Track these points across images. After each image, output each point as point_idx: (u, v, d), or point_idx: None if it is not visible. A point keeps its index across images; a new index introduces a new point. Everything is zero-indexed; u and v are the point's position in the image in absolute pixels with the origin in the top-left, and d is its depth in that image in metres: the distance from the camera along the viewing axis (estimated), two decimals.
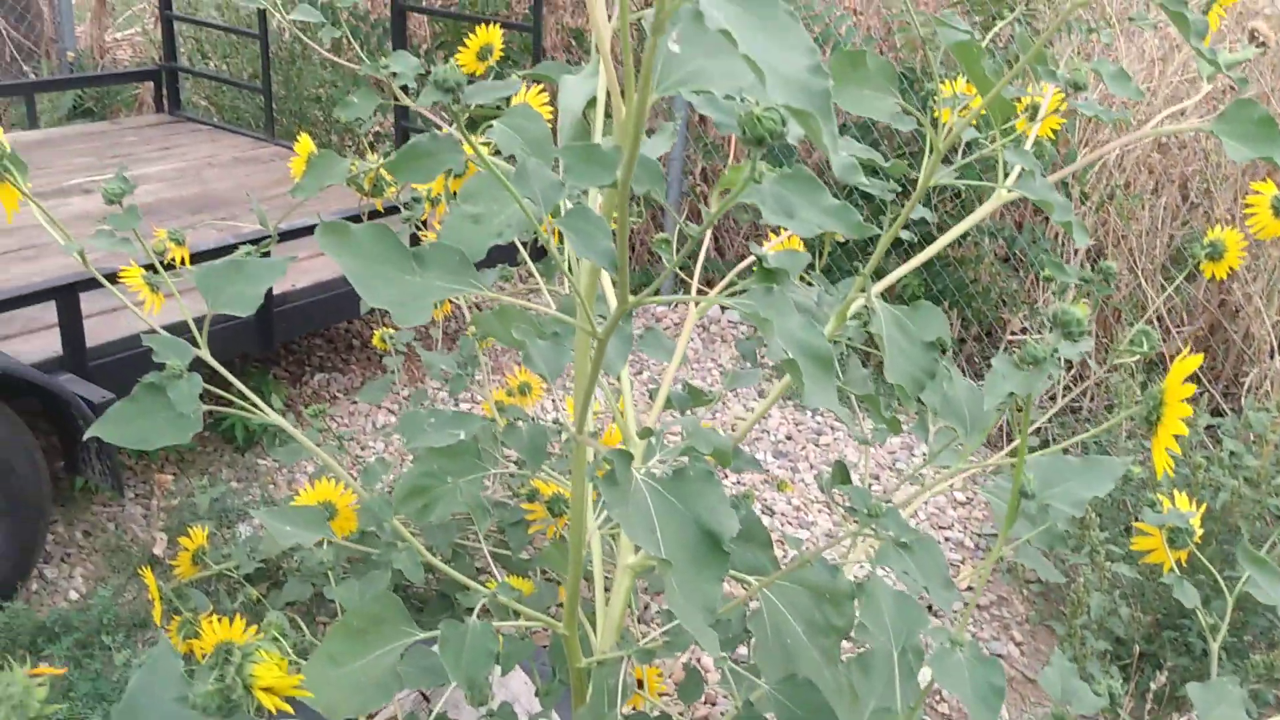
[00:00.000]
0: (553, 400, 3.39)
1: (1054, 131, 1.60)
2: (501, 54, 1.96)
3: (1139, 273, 3.91)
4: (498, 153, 1.06)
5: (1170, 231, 3.96)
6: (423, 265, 0.79)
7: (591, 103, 1.10)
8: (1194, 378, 1.00)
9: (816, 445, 3.35)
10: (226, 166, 3.86)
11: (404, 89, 1.78)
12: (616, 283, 0.77)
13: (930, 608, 2.49)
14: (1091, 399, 3.75)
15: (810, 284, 1.53)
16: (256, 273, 1.05)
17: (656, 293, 0.75)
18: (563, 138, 1.05)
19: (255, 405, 1.14)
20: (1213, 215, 3.96)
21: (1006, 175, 1.35)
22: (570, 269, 1.11)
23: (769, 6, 0.49)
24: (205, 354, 1.09)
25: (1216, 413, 3.58)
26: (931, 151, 1.28)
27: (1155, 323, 3.83)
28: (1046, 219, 3.91)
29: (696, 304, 1.46)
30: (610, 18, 1.14)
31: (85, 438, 0.96)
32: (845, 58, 1.09)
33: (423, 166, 0.80)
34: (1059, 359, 0.81)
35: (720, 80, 0.66)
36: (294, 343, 3.50)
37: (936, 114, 1.37)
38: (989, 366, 3.59)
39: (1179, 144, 4.05)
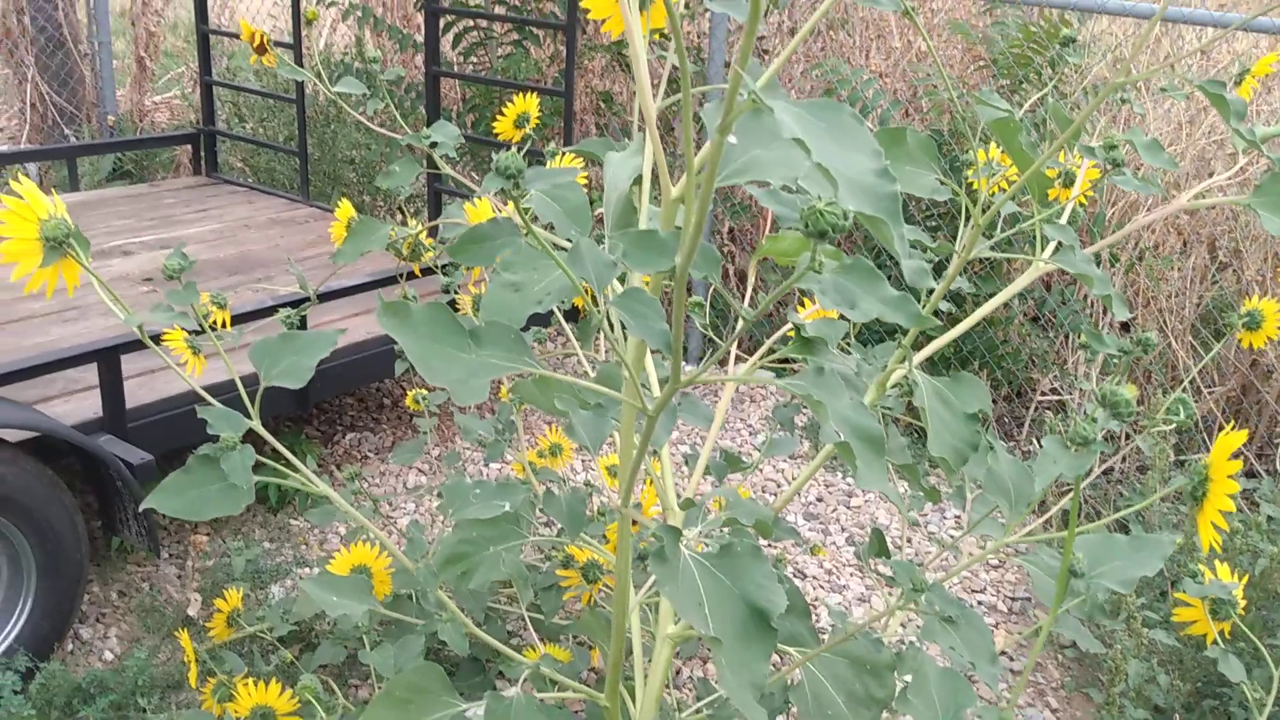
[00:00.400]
0: (582, 460, 3.40)
1: (1084, 196, 1.61)
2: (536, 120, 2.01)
3: (1169, 332, 3.89)
4: (534, 217, 1.08)
5: (1200, 293, 3.95)
6: (478, 343, 0.81)
7: (637, 179, 1.13)
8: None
9: (848, 507, 3.34)
10: (262, 228, 3.92)
11: (445, 157, 1.82)
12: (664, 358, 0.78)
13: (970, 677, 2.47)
14: (1124, 460, 3.72)
15: (848, 351, 1.54)
16: (309, 345, 1.07)
17: (704, 355, 0.76)
18: (609, 214, 1.07)
19: (299, 472, 1.15)
20: (1243, 276, 3.96)
21: (1044, 246, 1.37)
22: (609, 331, 1.13)
23: (834, 111, 0.51)
24: (258, 425, 1.11)
25: (1251, 475, 3.54)
26: (969, 223, 1.29)
27: (1188, 385, 3.81)
28: (1075, 278, 3.91)
29: (746, 377, 1.47)
30: (656, 97, 1.16)
31: (140, 509, 0.98)
32: (887, 135, 1.12)
33: (482, 250, 0.82)
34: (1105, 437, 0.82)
35: (776, 170, 0.68)
36: (326, 401, 3.53)
37: (973, 184, 1.39)
38: (1019, 428, 3.55)
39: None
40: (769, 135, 0.69)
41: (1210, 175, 4.17)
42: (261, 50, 2.05)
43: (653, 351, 1.40)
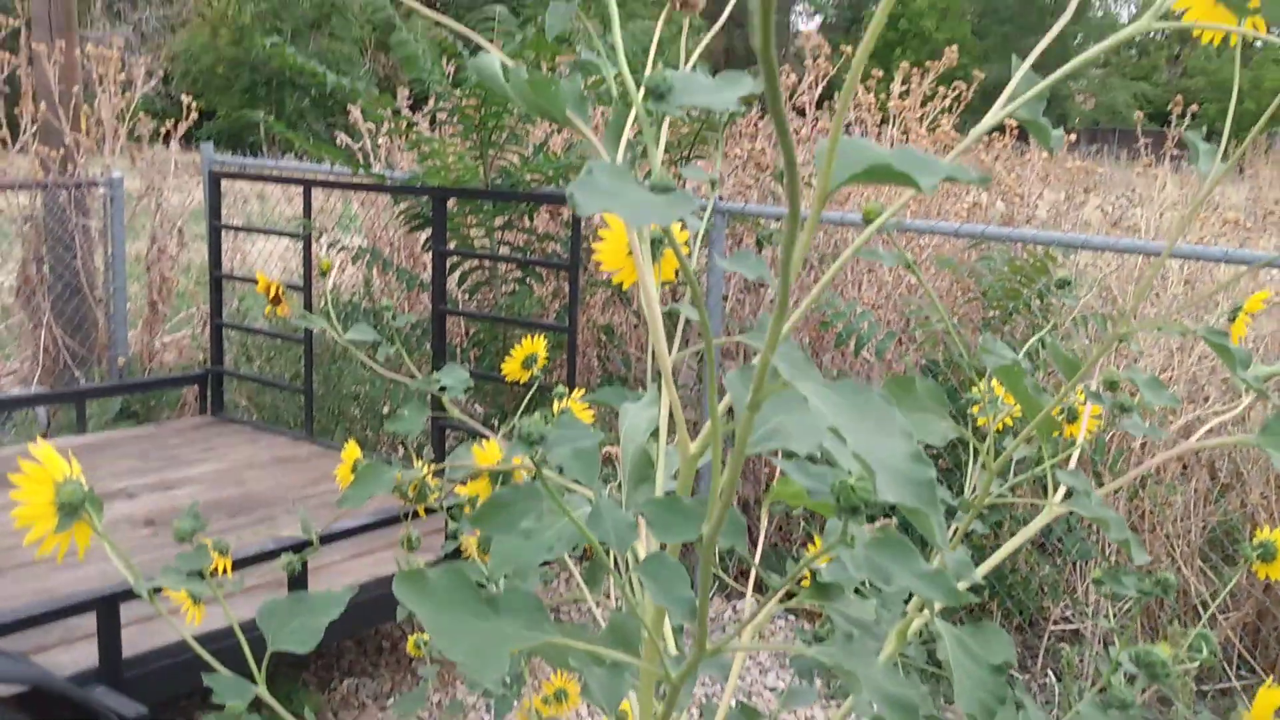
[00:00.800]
0: (586, 705, 3.28)
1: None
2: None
3: (1176, 557, 3.85)
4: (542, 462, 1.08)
5: (1204, 516, 3.93)
6: (496, 612, 0.79)
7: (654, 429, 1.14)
8: (1251, 670, 0.97)
9: None
10: (266, 467, 3.93)
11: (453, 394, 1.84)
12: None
13: None
14: (1144, 690, 3.60)
15: (864, 596, 1.51)
16: (319, 606, 1.05)
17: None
18: (625, 468, 1.07)
19: None
20: (1247, 500, 3.94)
21: (1055, 488, 1.37)
22: (628, 593, 1.11)
23: (863, 393, 0.52)
24: (263, 690, 1.07)
25: None
26: (977, 463, 1.30)
27: (1200, 609, 3.73)
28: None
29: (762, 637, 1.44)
30: (671, 350, 1.19)
31: None
32: (896, 384, 1.13)
33: (504, 517, 0.82)
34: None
35: (801, 439, 0.69)
36: (323, 645, 3.44)
37: (979, 422, 1.40)
38: (1033, 659, 3.44)
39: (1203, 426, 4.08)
40: (792, 402, 0.70)
41: (1205, 399, 4.24)
42: (276, 301, 2.11)
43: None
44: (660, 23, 1.12)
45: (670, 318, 1.34)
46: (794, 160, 0.46)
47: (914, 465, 0.48)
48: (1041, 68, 1.02)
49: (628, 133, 1.03)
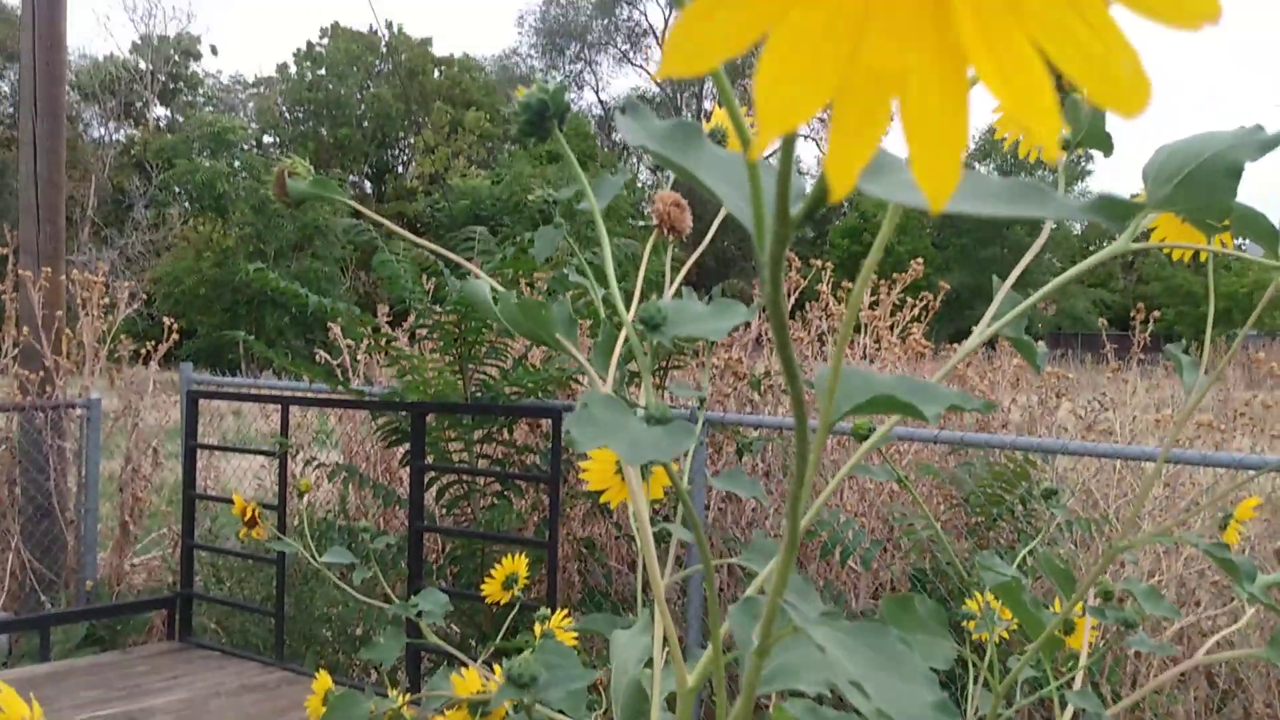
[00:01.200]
0: None
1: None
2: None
3: None
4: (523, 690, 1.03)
5: None
6: None
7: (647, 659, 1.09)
8: None
9: None
10: (233, 695, 3.77)
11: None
12: None
13: None
14: None
15: None
16: None
17: None
18: (618, 703, 1.02)
19: None
20: (1250, 707, 3.84)
21: (1063, 708, 1.32)
22: None
23: (879, 635, 0.50)
24: None
25: None
26: (977, 681, 1.25)
27: None
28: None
29: None
30: (663, 576, 1.16)
31: None
32: (895, 605, 1.10)
33: None
34: None
35: (809, 677, 0.66)
36: None
37: (976, 636, 1.36)
38: None
39: (1200, 635, 4.01)
40: (796, 637, 0.68)
41: (1197, 603, 4.18)
42: (252, 524, 2.07)
43: None
44: (648, 247, 1.14)
45: (659, 536, 1.31)
46: (804, 417, 0.45)
47: (938, 716, 0.45)
48: (1013, 282, 1.05)
49: (616, 353, 1.04)
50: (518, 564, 1.99)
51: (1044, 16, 0.28)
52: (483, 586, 2.03)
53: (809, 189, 0.39)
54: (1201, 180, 0.87)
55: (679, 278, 1.16)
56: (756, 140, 0.31)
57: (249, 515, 2.09)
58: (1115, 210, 0.31)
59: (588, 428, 0.60)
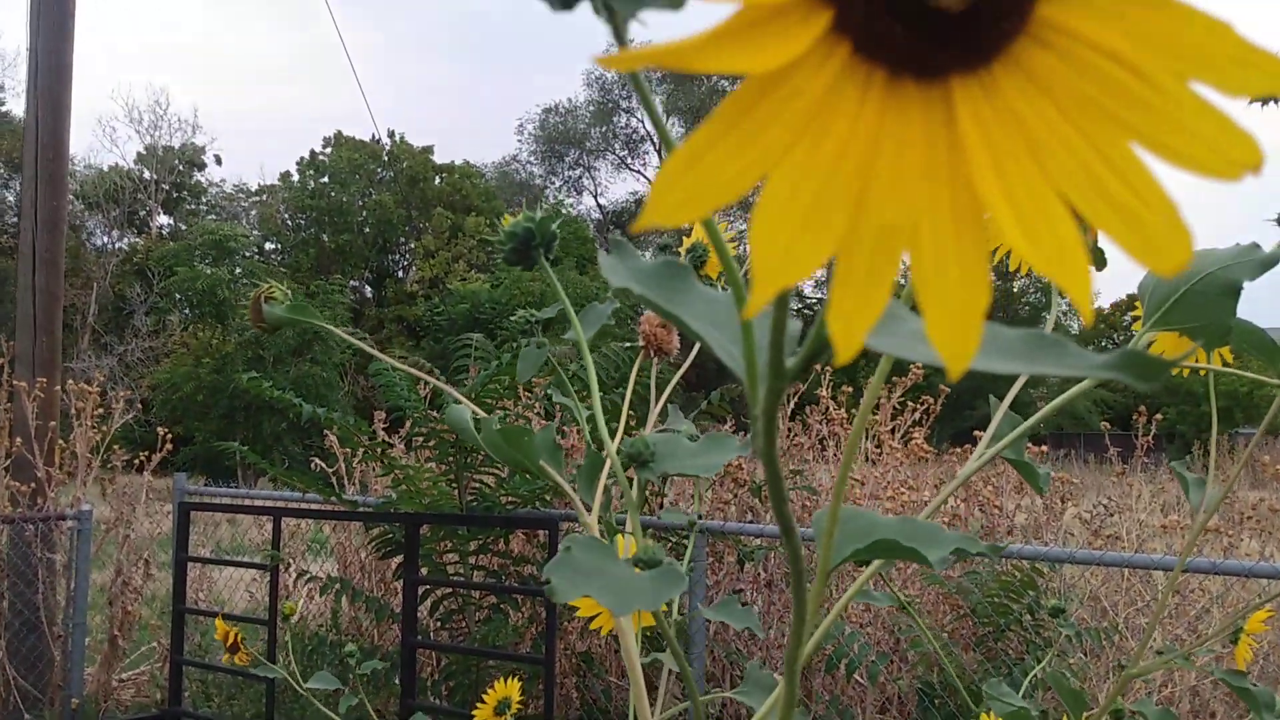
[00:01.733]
0: None
1: None
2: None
3: None
4: None
5: None
6: None
7: None
8: None
9: None
10: None
11: None
12: None
13: None
14: None
15: None
16: None
17: None
18: None
19: None
20: None
21: None
22: None
23: None
24: None
25: None
26: None
27: None
28: None
29: None
30: (660, 699, 1.11)
31: None
32: None
33: None
34: None
35: None
36: None
37: None
38: None
39: None
40: None
41: (1212, 715, 4.05)
42: (234, 649, 2.01)
43: None
44: (635, 368, 1.12)
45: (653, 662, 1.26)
46: (801, 573, 0.42)
47: None
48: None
49: (602, 480, 1.00)
50: (511, 688, 1.92)
51: (1068, 165, 0.26)
52: (475, 712, 1.96)
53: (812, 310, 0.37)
54: (1199, 300, 0.84)
55: (667, 390, 1.13)
56: (752, 298, 0.28)
57: (230, 641, 2.03)
58: (1143, 369, 0.28)
59: (569, 575, 0.56)
